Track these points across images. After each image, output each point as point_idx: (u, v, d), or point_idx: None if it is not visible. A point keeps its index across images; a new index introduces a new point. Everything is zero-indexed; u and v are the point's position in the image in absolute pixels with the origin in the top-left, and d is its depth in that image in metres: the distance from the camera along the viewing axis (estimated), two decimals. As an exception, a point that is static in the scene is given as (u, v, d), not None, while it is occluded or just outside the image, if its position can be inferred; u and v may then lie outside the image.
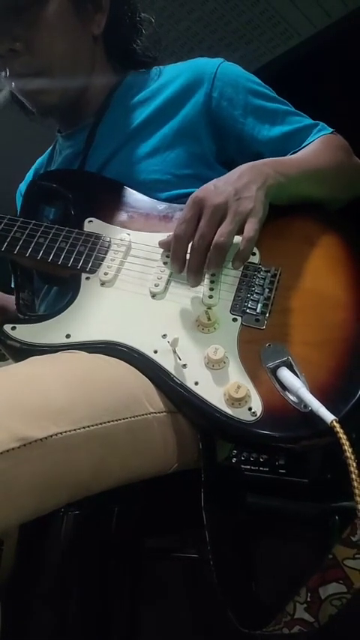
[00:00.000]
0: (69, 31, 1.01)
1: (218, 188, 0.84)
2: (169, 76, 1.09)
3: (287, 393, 0.73)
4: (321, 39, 2.14)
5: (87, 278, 0.89)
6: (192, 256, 0.83)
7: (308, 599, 0.66)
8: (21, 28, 0.95)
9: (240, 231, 0.82)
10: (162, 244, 0.89)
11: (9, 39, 0.96)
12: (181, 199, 0.97)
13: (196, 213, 0.83)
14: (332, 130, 1.05)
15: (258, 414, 0.72)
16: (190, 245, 0.83)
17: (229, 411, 0.73)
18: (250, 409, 0.73)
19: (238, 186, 0.84)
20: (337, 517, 1.21)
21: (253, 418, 0.72)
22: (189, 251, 0.83)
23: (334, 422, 0.65)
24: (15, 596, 0.69)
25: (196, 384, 0.76)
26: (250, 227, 0.81)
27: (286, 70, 2.21)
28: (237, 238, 0.82)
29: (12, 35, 0.95)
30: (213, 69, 1.05)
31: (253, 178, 0.85)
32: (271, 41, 2.19)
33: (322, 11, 2.06)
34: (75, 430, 0.64)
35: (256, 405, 0.73)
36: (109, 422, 0.69)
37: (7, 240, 0.93)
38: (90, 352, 0.80)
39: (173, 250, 0.84)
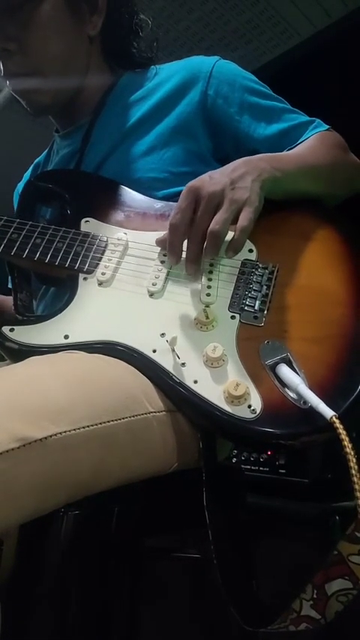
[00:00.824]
0: (63, 32, 1.02)
1: (214, 178, 0.84)
2: (165, 75, 1.09)
3: (286, 389, 0.73)
4: (321, 39, 2.14)
5: (84, 278, 0.89)
6: (189, 245, 0.83)
7: (314, 596, 0.66)
8: (14, 27, 0.96)
9: (235, 221, 0.82)
10: (159, 242, 0.89)
11: (2, 39, 0.96)
12: (178, 197, 0.97)
13: (192, 202, 0.83)
14: (328, 126, 1.05)
15: (257, 412, 0.72)
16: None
17: (228, 408, 0.73)
18: (249, 406, 0.73)
19: (234, 177, 0.84)
20: (337, 517, 1.21)
21: (253, 415, 0.72)
22: (185, 241, 0.84)
23: (333, 417, 0.65)
24: (15, 596, 0.68)
25: (195, 382, 0.76)
26: (245, 216, 0.81)
27: (285, 69, 2.21)
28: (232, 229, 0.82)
29: (5, 35, 0.96)
30: (209, 67, 1.05)
31: (249, 170, 0.85)
32: (270, 41, 2.19)
33: (322, 11, 2.06)
34: (74, 430, 0.64)
35: (256, 402, 0.73)
36: (108, 422, 0.69)
37: (4, 241, 0.93)
38: (89, 352, 0.80)
39: (169, 241, 0.84)
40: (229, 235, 0.82)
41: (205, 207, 0.81)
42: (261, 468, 1.43)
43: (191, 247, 0.83)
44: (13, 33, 0.96)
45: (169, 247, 0.85)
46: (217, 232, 0.80)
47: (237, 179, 0.83)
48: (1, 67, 1.00)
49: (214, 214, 0.81)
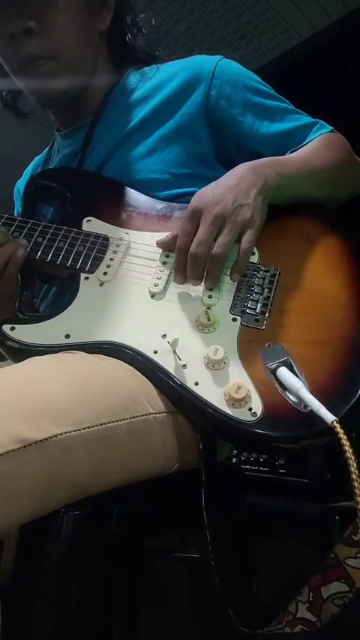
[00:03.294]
0: (79, 22, 1.03)
1: (217, 196, 0.84)
2: (167, 74, 1.09)
3: (287, 393, 0.73)
4: (321, 39, 2.14)
5: (86, 278, 0.89)
6: (189, 266, 0.84)
7: (310, 599, 0.66)
8: (35, 8, 0.96)
9: (239, 239, 0.83)
10: (159, 244, 0.89)
11: (22, 17, 0.95)
12: (180, 198, 0.97)
13: (196, 224, 0.84)
14: (331, 128, 1.04)
15: (258, 415, 0.72)
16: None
17: (229, 411, 0.73)
18: (250, 409, 0.73)
19: (238, 192, 0.84)
20: (337, 517, 1.21)
21: (254, 418, 0.72)
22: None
23: (334, 422, 0.65)
24: (15, 596, 0.69)
25: (196, 384, 0.76)
26: (247, 239, 0.83)
27: (286, 70, 2.21)
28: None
29: (26, 14, 0.95)
30: (211, 67, 1.04)
31: (253, 182, 0.85)
32: (271, 41, 2.19)
33: (322, 11, 2.06)
34: (75, 431, 0.64)
35: (257, 405, 0.73)
36: (109, 423, 0.69)
37: None
38: (89, 352, 0.80)
39: (176, 262, 0.86)
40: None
41: (207, 231, 0.82)
42: (261, 468, 1.43)
43: (192, 268, 0.84)
44: (34, 14, 0.96)
45: (176, 269, 0.86)
46: (218, 256, 0.82)
47: (240, 195, 0.84)
48: (20, 50, 0.98)
49: (216, 235, 0.82)
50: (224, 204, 0.83)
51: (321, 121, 1.05)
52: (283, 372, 0.74)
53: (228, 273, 0.86)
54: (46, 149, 1.26)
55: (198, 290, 0.85)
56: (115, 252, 0.91)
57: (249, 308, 0.82)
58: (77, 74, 1.05)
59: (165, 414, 0.77)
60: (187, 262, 0.84)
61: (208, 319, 0.80)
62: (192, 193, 0.88)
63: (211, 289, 0.85)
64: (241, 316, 0.82)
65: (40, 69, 1.00)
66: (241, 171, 0.88)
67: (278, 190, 0.88)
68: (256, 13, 2.07)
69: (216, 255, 0.82)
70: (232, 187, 0.85)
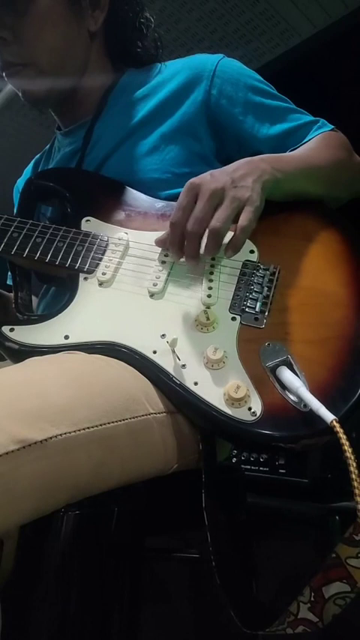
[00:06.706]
0: (60, 24, 1.01)
1: (214, 176, 0.83)
2: (169, 73, 1.08)
3: (287, 392, 0.73)
4: (321, 39, 2.14)
5: (85, 278, 0.89)
6: (188, 242, 0.82)
7: (312, 599, 0.66)
8: (11, 17, 0.96)
9: (235, 220, 0.81)
10: (158, 242, 0.89)
11: None
12: (179, 198, 0.97)
13: (192, 199, 0.82)
14: (332, 126, 1.04)
15: (258, 414, 0.72)
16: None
17: (228, 411, 0.73)
18: (249, 409, 0.73)
19: (235, 176, 0.83)
20: (337, 517, 1.21)
21: (253, 418, 0.72)
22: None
23: (334, 422, 0.65)
24: (15, 596, 0.68)
25: (196, 384, 0.76)
26: (246, 216, 0.80)
27: (286, 69, 2.21)
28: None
29: (1, 23, 0.96)
30: (212, 65, 1.04)
31: (250, 171, 0.84)
32: (271, 41, 2.19)
33: (322, 11, 2.05)
34: (74, 432, 0.64)
35: (256, 404, 0.73)
36: (108, 423, 0.69)
37: (5, 240, 0.93)
38: (89, 353, 0.80)
39: (171, 238, 0.84)
40: (229, 235, 0.82)
41: (205, 205, 0.80)
42: (261, 468, 1.44)
43: (190, 243, 0.82)
44: (9, 22, 0.96)
45: (170, 245, 0.84)
46: (217, 230, 0.79)
47: (238, 179, 0.83)
48: None
49: (214, 212, 0.81)
50: (223, 181, 0.82)
51: (322, 120, 1.05)
52: (283, 372, 0.74)
53: (226, 266, 0.86)
54: (47, 147, 1.26)
55: (197, 289, 0.85)
56: (113, 252, 0.91)
57: (248, 307, 0.82)
58: (59, 76, 1.04)
59: (165, 414, 0.77)
60: (186, 239, 0.82)
61: (207, 318, 0.80)
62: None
63: (210, 288, 0.84)
64: (240, 315, 0.82)
65: (17, 74, 1.01)
66: (238, 163, 0.87)
67: (276, 185, 0.87)
68: (256, 12, 2.07)
69: (214, 228, 0.79)
70: (230, 173, 0.84)
